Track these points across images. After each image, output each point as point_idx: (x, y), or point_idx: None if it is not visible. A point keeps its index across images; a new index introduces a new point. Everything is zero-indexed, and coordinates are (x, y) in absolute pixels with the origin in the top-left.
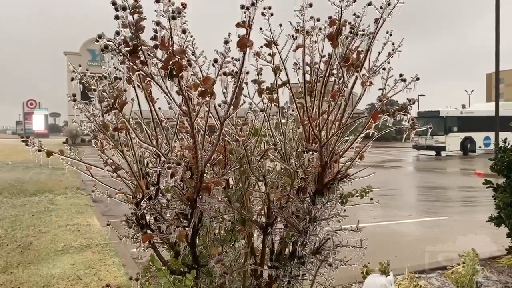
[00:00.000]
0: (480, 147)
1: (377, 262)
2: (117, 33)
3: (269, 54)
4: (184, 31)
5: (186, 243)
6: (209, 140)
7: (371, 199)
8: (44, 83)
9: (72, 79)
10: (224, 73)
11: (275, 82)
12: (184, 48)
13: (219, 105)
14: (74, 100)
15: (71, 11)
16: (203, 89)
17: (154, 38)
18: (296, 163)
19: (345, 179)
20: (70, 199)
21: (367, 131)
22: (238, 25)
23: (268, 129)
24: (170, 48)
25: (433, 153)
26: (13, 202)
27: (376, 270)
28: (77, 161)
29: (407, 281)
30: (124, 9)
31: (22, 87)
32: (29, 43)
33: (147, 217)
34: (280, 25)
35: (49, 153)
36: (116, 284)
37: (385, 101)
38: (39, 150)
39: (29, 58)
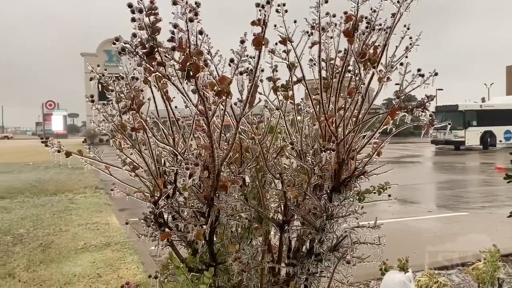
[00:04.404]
0: (500, 141)
1: (396, 259)
2: (134, 35)
3: (284, 51)
4: (201, 32)
5: (203, 241)
6: (225, 138)
7: (389, 195)
8: (62, 84)
9: (91, 79)
10: (240, 73)
11: (290, 79)
12: (200, 49)
13: (235, 104)
14: (92, 101)
15: (88, 13)
16: (219, 88)
17: (171, 39)
18: (313, 160)
19: (362, 176)
20: (89, 198)
21: (385, 126)
22: (253, 23)
23: (284, 126)
24: (188, 49)
25: (452, 148)
26: (34, 202)
27: (395, 266)
28: (96, 161)
29: (427, 277)
30: (140, 11)
31: (41, 89)
32: (47, 46)
33: (165, 216)
34: (295, 22)
35: (68, 154)
36: (135, 281)
37: (402, 97)
38: (59, 151)
39: (47, 60)
